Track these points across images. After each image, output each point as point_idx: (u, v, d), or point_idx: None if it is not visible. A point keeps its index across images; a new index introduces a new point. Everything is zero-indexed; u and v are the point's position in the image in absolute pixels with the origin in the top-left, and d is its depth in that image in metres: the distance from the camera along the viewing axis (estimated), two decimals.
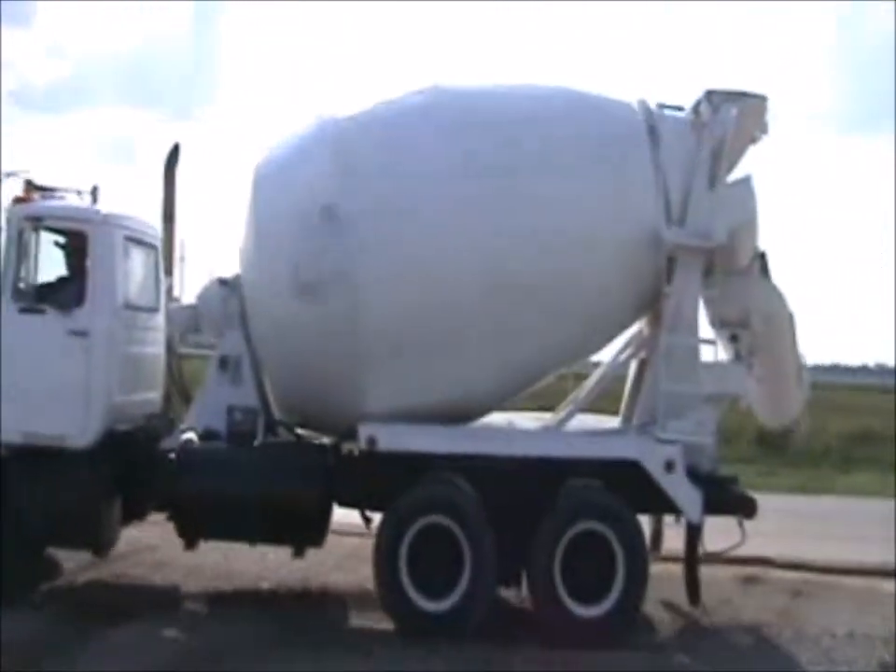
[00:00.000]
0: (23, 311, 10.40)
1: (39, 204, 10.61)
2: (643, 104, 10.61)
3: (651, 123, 10.44)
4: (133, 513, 11.18)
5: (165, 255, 11.91)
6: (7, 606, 9.82)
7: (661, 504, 10.22)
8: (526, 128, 10.25)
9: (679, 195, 10.30)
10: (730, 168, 10.54)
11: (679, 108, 10.73)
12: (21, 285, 10.44)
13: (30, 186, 10.66)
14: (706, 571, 10.96)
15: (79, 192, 10.92)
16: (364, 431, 10.07)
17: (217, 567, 12.06)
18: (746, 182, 10.56)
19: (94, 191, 10.85)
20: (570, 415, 10.83)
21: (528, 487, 10.08)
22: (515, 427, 10.97)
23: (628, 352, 10.97)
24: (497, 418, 11.10)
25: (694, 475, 10.10)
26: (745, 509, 10.40)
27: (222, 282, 11.05)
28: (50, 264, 10.79)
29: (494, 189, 10.05)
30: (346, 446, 10.63)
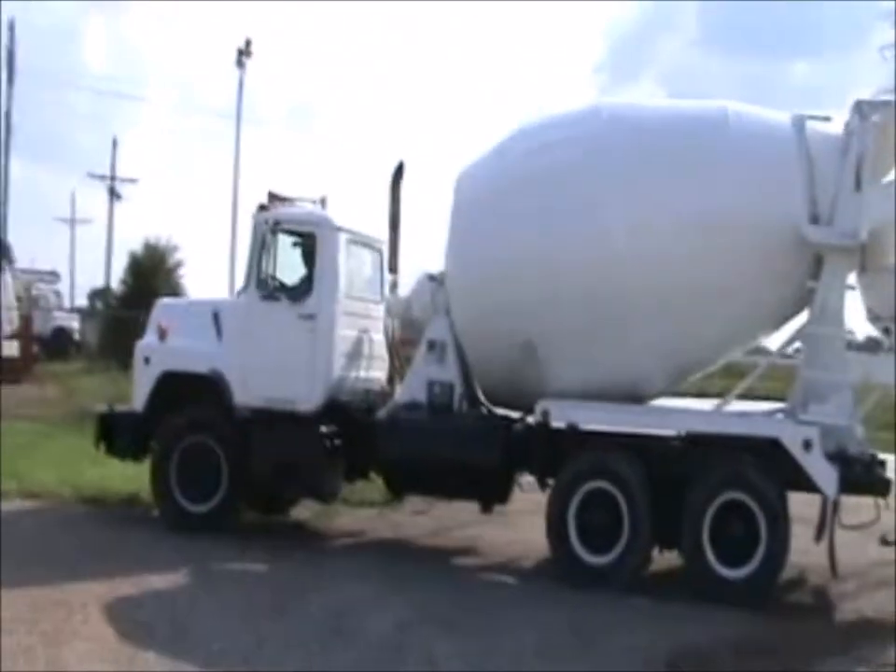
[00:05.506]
0: (264, 298, 12.64)
1: (278, 211, 12.83)
2: (796, 116, 11.44)
3: (802, 134, 11.27)
4: (357, 472, 13.16)
5: (391, 256, 13.76)
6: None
7: (802, 481, 10.90)
8: (687, 138, 11.50)
9: (827, 198, 11.11)
10: (880, 172, 11.23)
11: (827, 119, 11.54)
12: (263, 277, 12.63)
13: (272, 196, 12.85)
14: None
15: (313, 201, 13.04)
16: (539, 406, 11.54)
17: None
18: (890, 185, 11.24)
19: (323, 200, 12.99)
20: (730, 399, 11.86)
21: (682, 460, 11.25)
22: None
23: (786, 342, 11.93)
24: (673, 402, 12.33)
25: (838, 456, 10.83)
26: (879, 489, 10.96)
27: (431, 277, 12.73)
28: (287, 261, 12.95)
29: (665, 184, 11.33)
30: (528, 420, 12.08)
